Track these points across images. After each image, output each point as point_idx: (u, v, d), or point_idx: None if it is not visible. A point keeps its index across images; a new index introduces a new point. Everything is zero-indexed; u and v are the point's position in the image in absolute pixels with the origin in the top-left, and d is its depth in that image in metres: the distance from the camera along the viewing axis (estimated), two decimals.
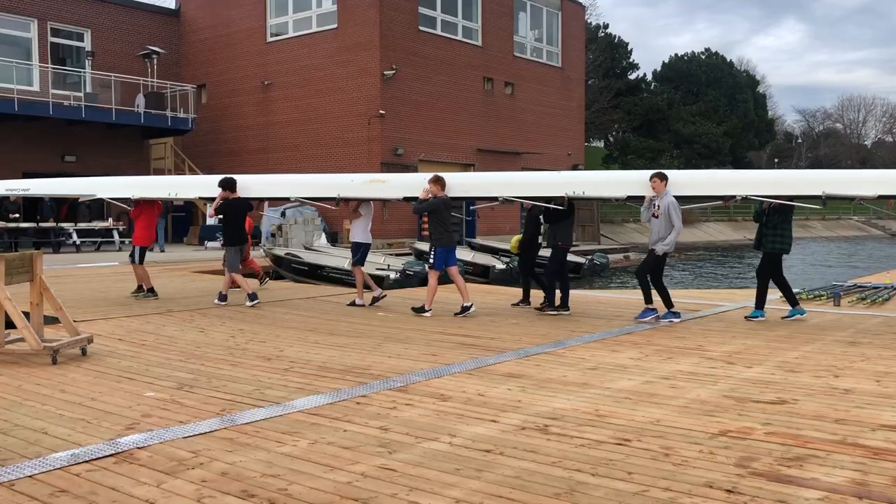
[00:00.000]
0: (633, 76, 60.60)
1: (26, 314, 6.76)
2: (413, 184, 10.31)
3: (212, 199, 10.91)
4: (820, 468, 3.94)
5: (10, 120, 24.07)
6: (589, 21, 48.49)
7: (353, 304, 10.87)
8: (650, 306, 9.31)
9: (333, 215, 22.62)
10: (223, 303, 10.73)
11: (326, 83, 27.20)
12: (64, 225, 22.63)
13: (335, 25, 27.16)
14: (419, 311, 9.87)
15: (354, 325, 9.03)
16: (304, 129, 27.83)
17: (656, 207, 9.15)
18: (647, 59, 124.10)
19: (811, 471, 3.90)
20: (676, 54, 64.62)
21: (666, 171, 9.35)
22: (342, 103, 26.85)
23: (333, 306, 10.78)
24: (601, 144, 63.43)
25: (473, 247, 23.37)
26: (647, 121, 56.72)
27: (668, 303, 9.35)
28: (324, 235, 23.39)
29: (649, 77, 63.81)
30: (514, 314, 10.04)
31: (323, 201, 11.02)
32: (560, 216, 9.97)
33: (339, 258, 18.13)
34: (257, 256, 19.60)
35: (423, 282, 15.82)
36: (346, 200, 10.68)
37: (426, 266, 9.90)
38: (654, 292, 9.33)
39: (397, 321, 9.35)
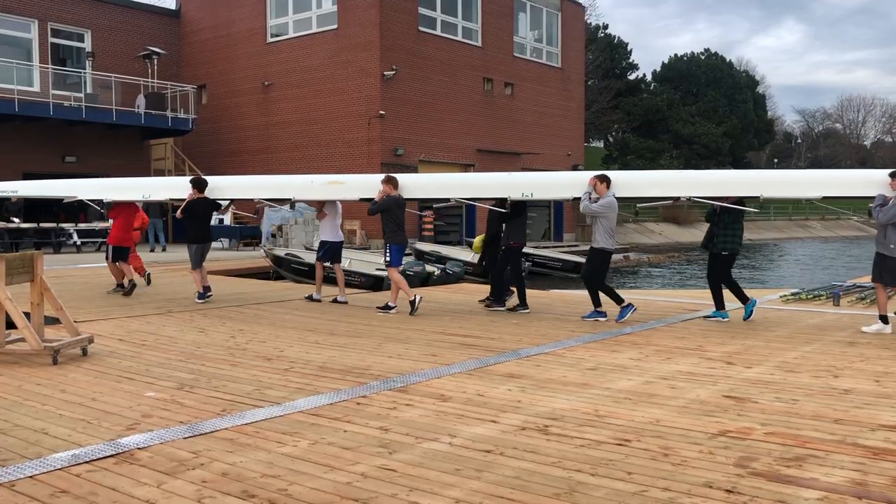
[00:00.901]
0: (632, 76, 60.65)
1: (27, 314, 6.77)
2: (370, 185, 10.55)
3: (183, 201, 11.18)
4: (819, 468, 3.95)
5: (11, 120, 24.07)
6: (588, 21, 48.50)
7: (310, 297, 11.26)
8: (625, 304, 9.39)
9: None
10: (203, 300, 10.93)
11: (326, 84, 27.22)
12: (64, 225, 22.64)
13: (335, 26, 27.17)
14: (413, 310, 9.92)
15: (354, 325, 9.04)
16: (304, 129, 27.84)
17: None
18: (647, 59, 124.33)
19: (810, 471, 3.91)
20: (676, 55, 64.71)
21: (608, 173, 9.55)
22: (342, 104, 26.86)
23: (333, 307, 10.79)
24: (601, 145, 63.45)
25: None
26: (646, 121, 56.75)
27: (596, 303, 9.47)
28: None
29: (649, 77, 63.89)
30: (514, 315, 10.04)
31: (282, 203, 11.19)
32: (511, 216, 10.20)
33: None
34: (257, 257, 19.61)
35: (423, 282, 15.84)
36: (301, 202, 10.90)
37: (385, 265, 10.42)
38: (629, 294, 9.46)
39: (397, 321, 9.36)
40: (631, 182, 9.73)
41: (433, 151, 27.93)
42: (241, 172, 25.04)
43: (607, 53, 55.33)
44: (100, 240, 23.04)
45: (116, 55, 28.36)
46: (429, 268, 17.36)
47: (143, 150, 29.00)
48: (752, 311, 9.38)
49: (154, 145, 29.58)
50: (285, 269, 17.73)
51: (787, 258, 34.47)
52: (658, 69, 64.18)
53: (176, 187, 11.61)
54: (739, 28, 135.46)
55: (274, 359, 6.90)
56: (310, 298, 11.29)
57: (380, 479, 3.79)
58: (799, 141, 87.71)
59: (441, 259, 19.68)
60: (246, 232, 25.13)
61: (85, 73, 27.53)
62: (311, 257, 18.00)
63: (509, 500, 3.53)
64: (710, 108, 59.24)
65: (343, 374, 6.26)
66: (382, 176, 10.33)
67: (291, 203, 10.99)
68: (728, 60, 65.13)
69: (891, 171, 8.44)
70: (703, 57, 63.63)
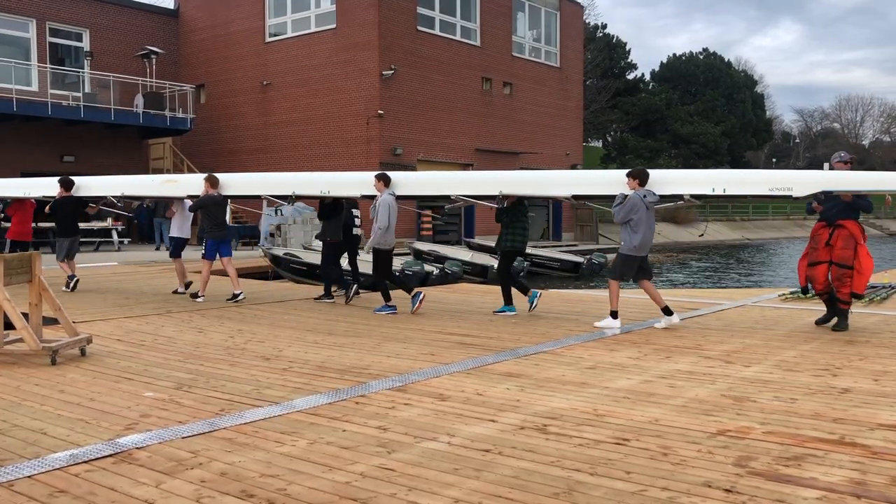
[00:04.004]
0: (631, 76, 60.65)
1: (25, 315, 6.76)
2: (198, 183, 11.24)
3: (52, 198, 12.07)
4: (818, 467, 3.95)
5: (9, 120, 24.03)
6: (587, 21, 48.50)
7: (175, 291, 11.99)
8: (390, 303, 10.00)
9: None
10: (70, 289, 11.87)
11: (325, 83, 27.20)
12: None
13: (334, 25, 27.15)
14: (194, 296, 11.01)
15: (353, 324, 9.03)
16: (302, 129, 27.82)
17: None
18: (646, 59, 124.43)
19: (809, 470, 3.91)
20: (674, 54, 64.72)
21: (390, 173, 10.18)
22: (341, 103, 26.84)
23: (332, 306, 10.79)
24: (599, 144, 63.45)
25: (472, 247, 23.37)
26: (645, 121, 56.74)
27: (386, 297, 10.06)
28: None
29: (647, 77, 63.91)
30: (513, 314, 10.01)
31: (122, 199, 12.25)
32: (328, 214, 11.10)
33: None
34: (257, 256, 19.59)
35: (421, 281, 15.84)
36: (130, 199, 12.58)
37: (201, 255, 11.40)
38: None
39: (396, 321, 9.35)
40: (406, 182, 10.35)
41: (432, 151, 27.92)
42: (240, 171, 25.04)
43: (606, 53, 55.33)
44: (97, 240, 23.05)
45: (115, 55, 28.32)
46: (427, 267, 17.37)
47: (141, 149, 28.98)
48: (503, 312, 9.84)
49: (152, 145, 29.53)
50: (284, 268, 17.73)
51: (785, 257, 34.49)
52: (656, 69, 64.22)
53: (46, 186, 12.46)
54: (737, 28, 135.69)
55: (272, 358, 6.89)
56: (175, 292, 11.98)
57: (379, 479, 3.79)
58: (797, 140, 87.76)
59: (440, 258, 19.70)
60: (244, 232, 25.11)
61: (83, 72, 27.49)
62: (309, 257, 18.06)
63: (508, 500, 3.53)
64: (708, 108, 59.25)
65: (341, 373, 6.25)
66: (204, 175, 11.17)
67: (121, 199, 12.10)
68: (726, 60, 65.16)
69: (627, 171, 8.82)
70: (701, 57, 63.65)
